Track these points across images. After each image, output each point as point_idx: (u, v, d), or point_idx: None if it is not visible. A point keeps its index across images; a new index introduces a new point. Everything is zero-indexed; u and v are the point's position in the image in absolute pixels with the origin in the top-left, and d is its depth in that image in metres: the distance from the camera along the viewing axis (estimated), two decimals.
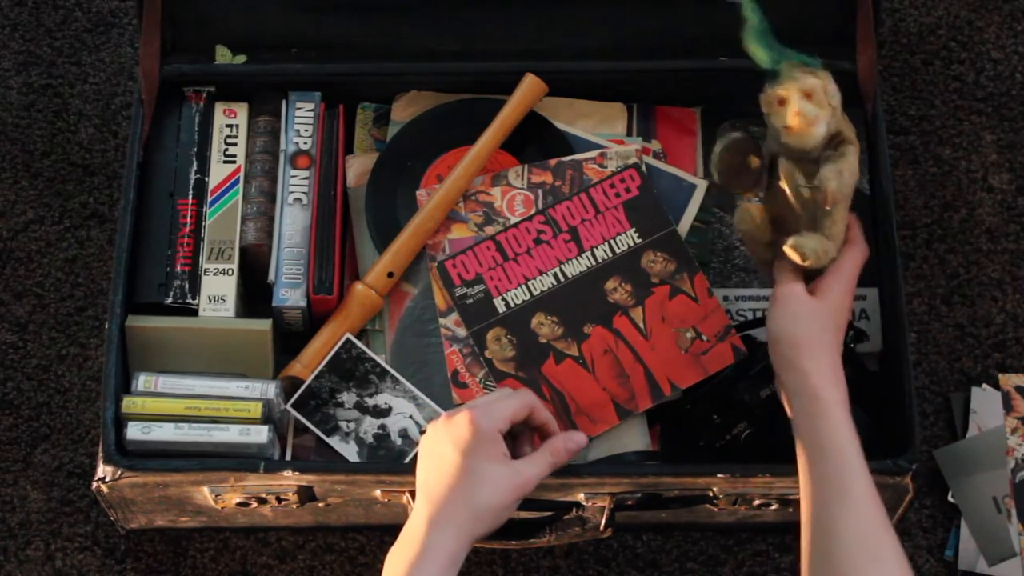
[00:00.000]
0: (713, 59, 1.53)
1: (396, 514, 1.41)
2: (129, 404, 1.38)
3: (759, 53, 1.29)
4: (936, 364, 1.58)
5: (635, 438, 1.44)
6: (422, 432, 1.32)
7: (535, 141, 1.52)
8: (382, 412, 1.44)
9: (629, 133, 1.54)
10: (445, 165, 1.52)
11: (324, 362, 1.44)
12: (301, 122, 1.52)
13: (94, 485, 1.38)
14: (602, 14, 1.54)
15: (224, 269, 1.46)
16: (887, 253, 1.45)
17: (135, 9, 1.54)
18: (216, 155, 1.51)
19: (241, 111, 1.53)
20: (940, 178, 1.65)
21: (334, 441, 1.43)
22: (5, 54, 1.71)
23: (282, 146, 1.51)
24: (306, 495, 1.40)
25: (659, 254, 1.46)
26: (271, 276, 1.47)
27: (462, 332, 1.46)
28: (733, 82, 1.54)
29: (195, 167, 1.50)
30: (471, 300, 1.46)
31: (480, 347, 1.45)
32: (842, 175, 1.29)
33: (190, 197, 1.49)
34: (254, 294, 1.50)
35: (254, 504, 1.41)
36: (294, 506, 1.41)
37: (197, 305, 1.45)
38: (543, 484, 1.37)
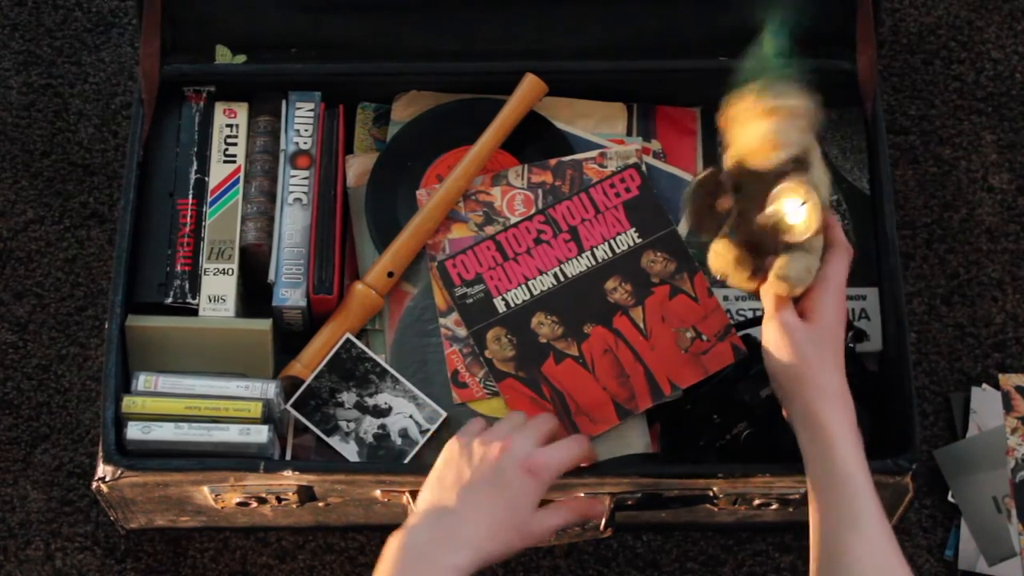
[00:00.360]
0: (713, 59, 1.53)
1: (396, 514, 1.41)
2: (129, 404, 1.38)
3: (753, 74, 1.26)
4: (936, 364, 1.58)
5: (635, 438, 1.44)
6: (433, 435, 1.32)
7: (535, 141, 1.52)
8: (382, 412, 1.44)
9: (629, 133, 1.54)
10: (445, 165, 1.52)
11: (324, 362, 1.44)
12: (301, 122, 1.52)
13: (94, 485, 1.38)
14: (602, 14, 1.54)
15: (224, 269, 1.46)
16: (887, 253, 1.45)
17: (135, 9, 1.54)
18: (216, 155, 1.51)
19: (241, 111, 1.53)
20: (940, 178, 1.65)
21: (334, 441, 1.43)
22: (5, 54, 1.71)
23: (282, 146, 1.51)
24: (306, 495, 1.40)
25: (659, 254, 1.46)
26: (271, 276, 1.47)
27: (462, 332, 1.46)
28: (733, 82, 1.54)
29: (195, 167, 1.50)
30: (471, 300, 1.46)
31: (480, 347, 1.45)
32: (818, 190, 1.26)
33: (190, 197, 1.49)
34: (254, 294, 1.50)
35: (254, 504, 1.41)
36: (294, 506, 1.41)
37: (197, 305, 1.45)
38: None
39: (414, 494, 1.33)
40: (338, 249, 1.48)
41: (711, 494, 1.39)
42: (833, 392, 1.26)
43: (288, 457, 1.44)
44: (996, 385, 1.56)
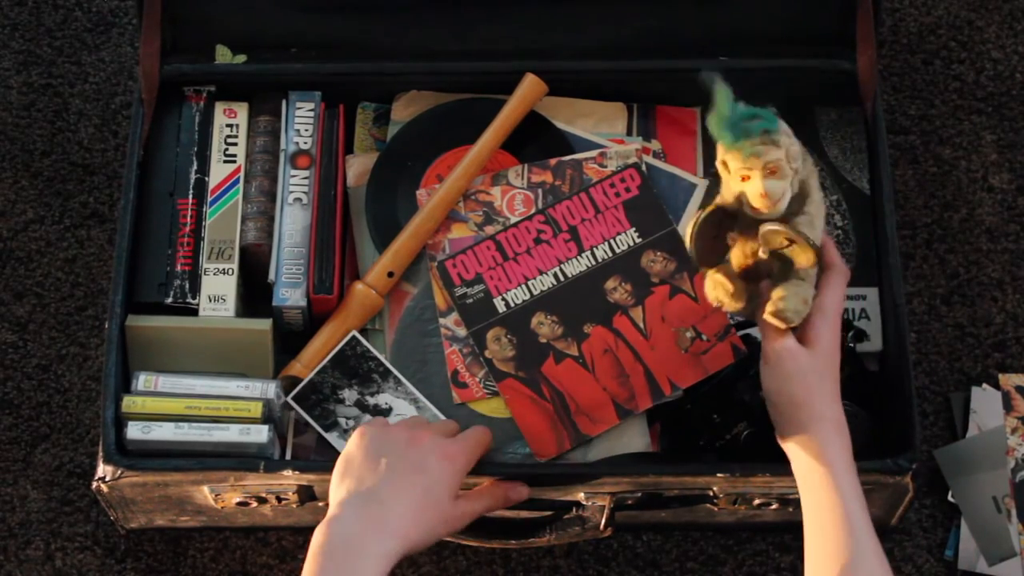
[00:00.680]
0: (713, 59, 1.53)
1: None
2: (129, 404, 1.38)
3: (723, 136, 1.23)
4: (936, 364, 1.57)
5: (635, 438, 1.44)
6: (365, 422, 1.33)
7: (535, 141, 1.52)
8: (382, 412, 1.44)
9: (629, 133, 1.54)
10: (445, 165, 1.52)
11: (328, 358, 1.44)
12: (301, 122, 1.52)
13: (94, 485, 1.38)
14: (602, 14, 1.54)
15: (224, 269, 1.46)
16: (887, 253, 1.45)
17: (135, 9, 1.54)
18: (216, 155, 1.51)
19: (241, 111, 1.53)
20: (940, 178, 1.65)
21: (332, 437, 1.43)
22: (5, 54, 1.71)
23: (282, 146, 1.51)
24: (306, 494, 1.40)
25: (659, 253, 1.46)
26: (271, 276, 1.47)
27: (462, 332, 1.46)
28: (733, 82, 1.54)
29: (195, 167, 1.50)
30: (471, 300, 1.46)
31: (480, 347, 1.45)
32: (814, 224, 1.25)
33: (190, 197, 1.49)
34: (254, 294, 1.50)
35: (254, 504, 1.41)
36: (294, 505, 1.41)
37: (197, 305, 1.45)
38: (543, 483, 1.38)
39: None
40: (338, 249, 1.48)
41: (711, 494, 1.39)
42: (831, 421, 1.26)
43: (288, 457, 1.44)
44: (996, 385, 1.56)
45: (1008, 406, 1.54)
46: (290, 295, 1.46)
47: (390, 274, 1.47)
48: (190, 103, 1.53)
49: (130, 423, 1.38)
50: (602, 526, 1.40)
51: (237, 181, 1.50)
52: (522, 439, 1.43)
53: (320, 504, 1.42)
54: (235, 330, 1.45)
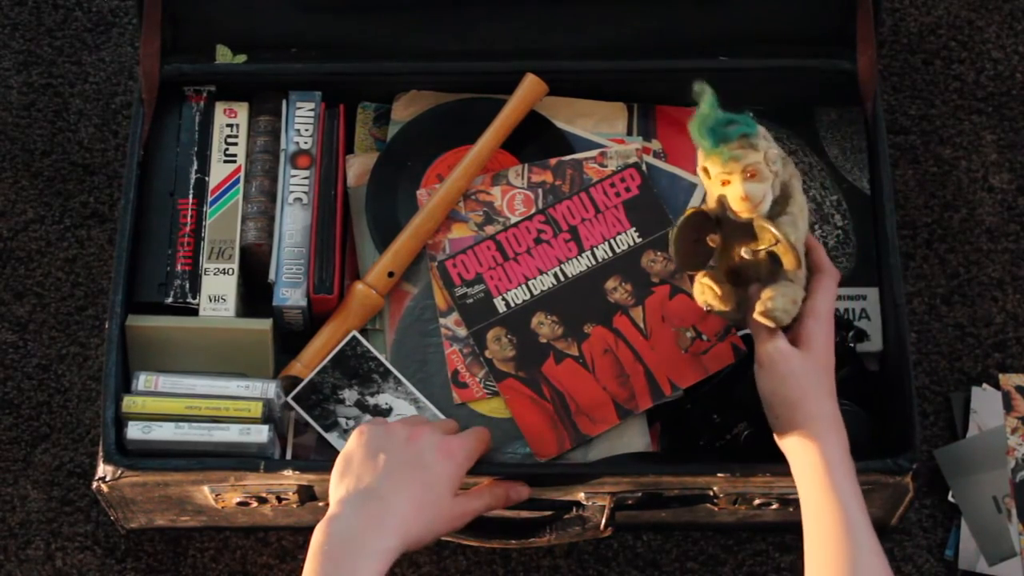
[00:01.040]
0: (713, 59, 1.53)
1: None
2: (129, 403, 1.38)
3: (702, 141, 1.25)
4: (936, 364, 1.57)
5: (635, 438, 1.44)
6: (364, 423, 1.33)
7: (535, 140, 1.52)
8: (382, 412, 1.44)
9: (629, 132, 1.54)
10: (445, 165, 1.52)
11: (328, 358, 1.44)
12: (301, 122, 1.52)
13: (94, 484, 1.38)
14: (602, 14, 1.54)
15: (224, 269, 1.46)
16: (887, 253, 1.45)
17: (135, 9, 1.54)
18: (216, 154, 1.51)
19: (241, 111, 1.53)
20: (940, 178, 1.65)
21: (332, 437, 1.43)
22: (5, 53, 1.71)
23: (282, 146, 1.52)
24: (306, 494, 1.40)
25: (659, 253, 1.46)
26: (271, 276, 1.47)
27: (462, 332, 1.46)
28: (733, 82, 1.54)
29: (195, 166, 1.50)
30: (471, 300, 1.46)
31: (480, 347, 1.45)
32: (797, 224, 1.27)
33: (190, 196, 1.49)
34: (254, 294, 1.50)
35: (254, 503, 1.41)
36: (294, 505, 1.41)
37: (197, 305, 1.45)
38: (543, 483, 1.38)
39: None
40: (338, 249, 1.48)
41: (711, 494, 1.39)
42: (827, 420, 1.26)
43: (288, 457, 1.44)
44: (996, 385, 1.56)
45: (1008, 406, 1.54)
46: (290, 295, 1.46)
47: (390, 274, 1.47)
48: (190, 103, 1.53)
49: (130, 423, 1.38)
50: (602, 526, 1.40)
51: (237, 181, 1.50)
52: (522, 439, 1.43)
53: (320, 504, 1.42)
54: (235, 330, 1.45)
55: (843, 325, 1.40)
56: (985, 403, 1.55)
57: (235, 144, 1.51)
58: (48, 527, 1.52)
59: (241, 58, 1.54)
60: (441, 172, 1.52)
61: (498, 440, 1.42)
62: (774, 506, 1.40)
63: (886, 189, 1.47)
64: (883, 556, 1.21)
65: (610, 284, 1.46)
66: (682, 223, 1.30)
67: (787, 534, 1.50)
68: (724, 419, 1.40)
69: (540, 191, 1.50)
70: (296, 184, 1.50)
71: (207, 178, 1.50)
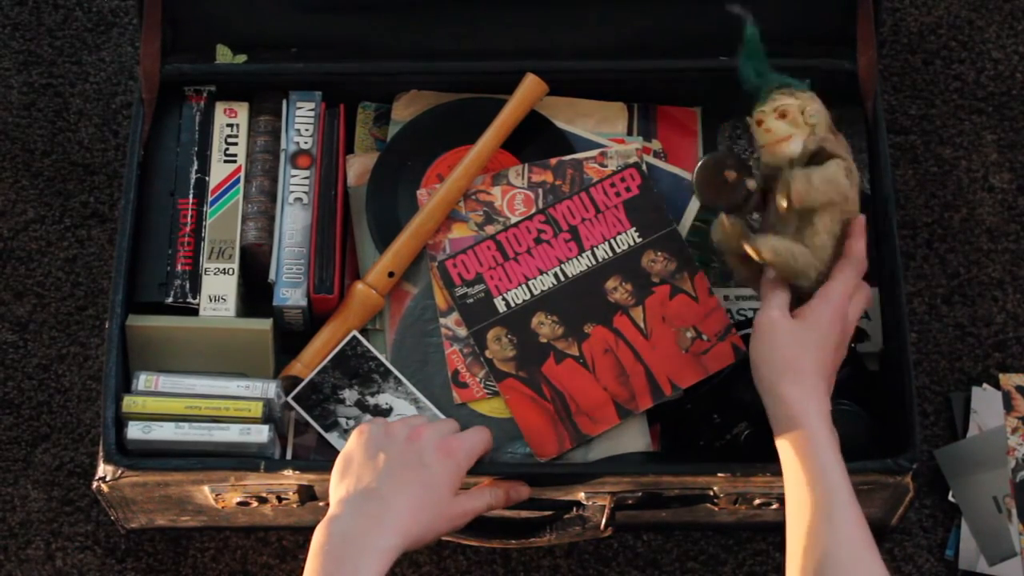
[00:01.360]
0: (713, 59, 1.53)
1: None
2: (130, 403, 1.38)
3: (748, 73, 1.34)
4: (936, 364, 1.58)
5: (635, 438, 1.44)
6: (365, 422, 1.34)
7: (535, 140, 1.52)
8: (383, 412, 1.44)
9: (629, 132, 1.54)
10: (445, 165, 1.52)
11: (328, 358, 1.44)
12: (302, 121, 1.52)
13: (94, 484, 1.38)
14: (602, 14, 1.54)
15: (225, 268, 1.46)
16: (887, 253, 1.45)
17: (135, 9, 1.54)
18: (217, 154, 1.51)
19: (242, 110, 1.53)
20: (940, 178, 1.65)
21: (332, 437, 1.43)
22: (6, 53, 1.71)
23: (283, 145, 1.52)
24: (306, 494, 1.40)
25: (659, 253, 1.46)
26: (272, 275, 1.47)
27: (462, 332, 1.46)
28: (733, 82, 1.54)
29: (196, 166, 1.50)
30: (471, 300, 1.46)
31: (480, 347, 1.45)
32: (811, 180, 1.30)
33: (191, 196, 1.49)
34: (255, 294, 1.50)
35: (254, 503, 1.41)
36: (295, 505, 1.41)
37: (198, 304, 1.45)
38: (543, 483, 1.38)
39: None
40: (339, 249, 1.48)
41: (711, 493, 1.39)
42: (810, 388, 1.27)
43: (288, 457, 1.44)
44: (997, 385, 1.56)
45: (1008, 406, 1.55)
46: (290, 295, 1.46)
47: (391, 274, 1.47)
48: (190, 103, 1.53)
49: (130, 423, 1.38)
50: (602, 526, 1.40)
51: (237, 181, 1.50)
52: (522, 439, 1.43)
53: (321, 504, 1.42)
54: (235, 330, 1.45)
55: None
56: (985, 403, 1.55)
57: (235, 144, 1.51)
58: (48, 527, 1.52)
59: (241, 58, 1.54)
60: (441, 172, 1.52)
61: (498, 440, 1.42)
62: (774, 506, 1.40)
63: (886, 189, 1.47)
64: (861, 517, 1.21)
65: (610, 284, 1.46)
66: (703, 162, 1.38)
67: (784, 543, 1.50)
68: (724, 419, 1.40)
69: (540, 191, 1.50)
70: (296, 184, 1.50)
71: (207, 178, 1.50)
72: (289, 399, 1.43)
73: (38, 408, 1.57)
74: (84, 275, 1.62)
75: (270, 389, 1.40)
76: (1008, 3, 1.72)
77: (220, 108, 1.53)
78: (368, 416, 1.44)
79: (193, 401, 1.39)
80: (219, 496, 1.40)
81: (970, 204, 1.64)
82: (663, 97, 1.56)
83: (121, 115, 1.68)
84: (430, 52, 1.55)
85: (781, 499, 1.39)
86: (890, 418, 1.41)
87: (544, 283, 1.46)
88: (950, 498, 1.51)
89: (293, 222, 1.49)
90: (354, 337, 1.45)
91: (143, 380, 1.40)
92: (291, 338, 1.48)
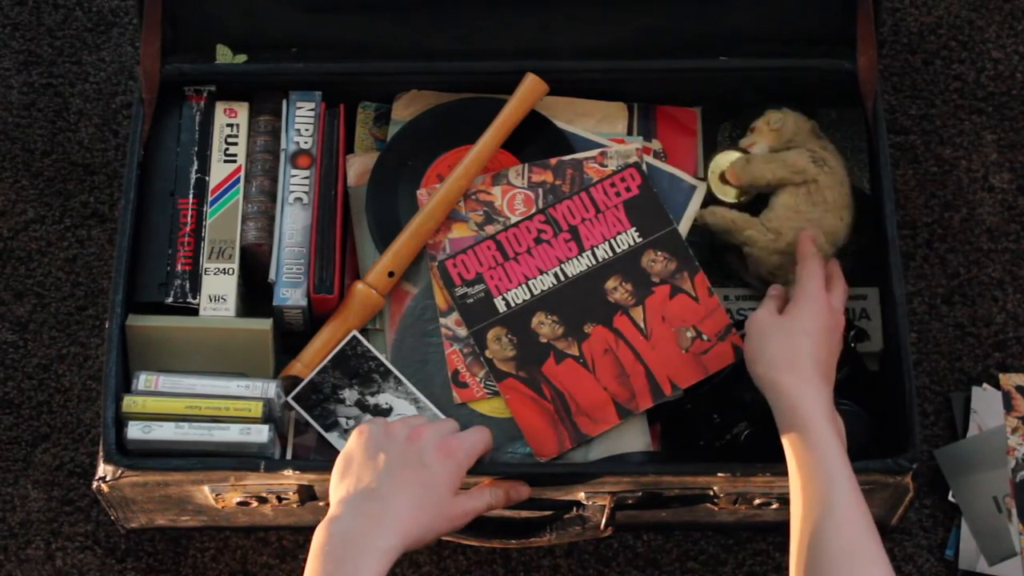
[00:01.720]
0: (713, 59, 1.53)
1: None
2: (130, 403, 1.38)
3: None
4: (936, 364, 1.58)
5: (635, 438, 1.44)
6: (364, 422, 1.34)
7: (535, 140, 1.52)
8: (383, 412, 1.44)
9: (629, 132, 1.54)
10: (446, 164, 1.52)
11: (328, 357, 1.44)
12: (302, 121, 1.52)
13: (94, 484, 1.38)
14: (602, 13, 1.54)
15: (225, 268, 1.46)
16: (887, 253, 1.45)
17: (136, 8, 1.54)
18: (217, 154, 1.51)
19: (242, 110, 1.53)
20: (940, 178, 1.65)
21: (332, 437, 1.43)
22: (6, 53, 1.71)
23: (283, 145, 1.51)
24: (306, 494, 1.40)
25: (659, 253, 1.46)
26: (272, 275, 1.47)
27: (463, 332, 1.46)
28: (733, 82, 1.54)
29: (196, 166, 1.50)
30: (471, 299, 1.46)
31: (480, 347, 1.45)
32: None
33: (191, 196, 1.49)
34: (255, 293, 1.50)
35: (255, 503, 1.41)
36: (295, 505, 1.41)
37: (198, 304, 1.45)
38: (543, 483, 1.38)
39: None
40: (339, 249, 1.48)
41: (711, 493, 1.39)
42: (804, 378, 1.29)
43: (288, 457, 1.44)
44: (997, 385, 1.56)
45: (1008, 406, 1.54)
46: (291, 295, 1.46)
47: (391, 274, 1.47)
48: (190, 103, 1.53)
49: (130, 423, 1.38)
50: (602, 526, 1.40)
51: (237, 181, 1.50)
52: (522, 439, 1.43)
53: (321, 504, 1.42)
54: (235, 330, 1.45)
55: (845, 325, 1.40)
56: (985, 403, 1.55)
57: (235, 144, 1.51)
58: (48, 527, 1.52)
59: (241, 58, 1.54)
60: (441, 172, 1.52)
61: (498, 440, 1.42)
62: (774, 506, 1.40)
63: (886, 189, 1.47)
64: (861, 500, 1.22)
65: (610, 284, 1.46)
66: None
67: (788, 534, 1.50)
68: (724, 419, 1.40)
69: (540, 191, 1.50)
70: (296, 184, 1.50)
71: (207, 178, 1.50)
72: (289, 399, 1.43)
73: (38, 408, 1.57)
74: (84, 275, 1.62)
75: (270, 389, 1.40)
76: (1008, 3, 1.72)
77: (220, 108, 1.53)
78: (368, 416, 1.44)
79: (193, 401, 1.39)
80: (219, 496, 1.40)
81: (970, 204, 1.64)
82: (663, 97, 1.56)
83: (121, 115, 1.68)
84: (430, 52, 1.55)
85: (781, 499, 1.39)
86: (890, 418, 1.41)
87: (544, 283, 1.46)
88: (950, 498, 1.51)
89: (293, 222, 1.49)
90: (354, 337, 1.45)
91: (143, 380, 1.40)
92: (291, 338, 1.48)
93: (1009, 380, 1.56)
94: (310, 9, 1.54)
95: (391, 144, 1.53)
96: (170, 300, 1.45)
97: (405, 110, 1.55)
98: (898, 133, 1.66)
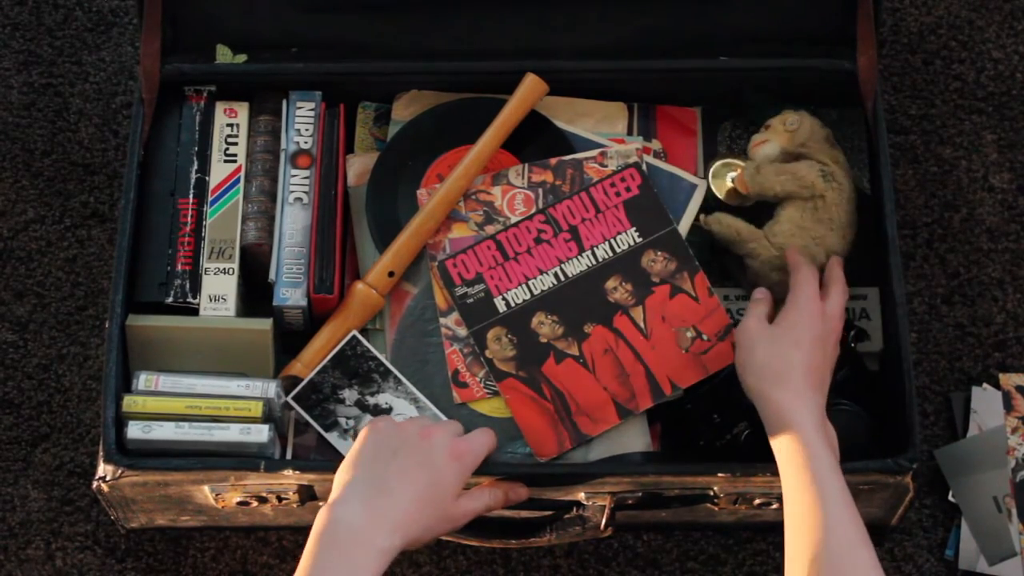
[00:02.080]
0: (713, 59, 1.53)
1: None
2: (130, 403, 1.38)
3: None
4: (936, 364, 1.58)
5: (635, 438, 1.44)
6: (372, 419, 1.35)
7: (535, 140, 1.52)
8: (382, 412, 1.44)
9: (629, 132, 1.54)
10: (446, 164, 1.52)
11: (328, 357, 1.44)
12: (302, 121, 1.52)
13: (94, 484, 1.38)
14: (602, 13, 1.54)
15: (225, 268, 1.46)
16: (887, 253, 1.45)
17: (136, 8, 1.54)
18: (217, 154, 1.51)
19: (242, 110, 1.53)
20: (940, 177, 1.65)
21: (332, 437, 1.43)
22: (6, 53, 1.71)
23: (283, 145, 1.52)
24: (306, 494, 1.40)
25: (659, 253, 1.46)
26: (272, 275, 1.47)
27: (463, 331, 1.46)
28: (733, 82, 1.54)
29: (196, 166, 1.50)
30: (471, 299, 1.46)
31: (480, 347, 1.45)
32: (760, 169, 1.46)
33: (191, 196, 1.49)
34: (255, 293, 1.50)
35: (255, 503, 1.41)
36: (295, 505, 1.41)
37: (198, 304, 1.45)
38: (543, 483, 1.38)
39: None
40: (339, 249, 1.48)
41: (711, 493, 1.39)
42: (793, 388, 1.29)
43: (288, 456, 1.44)
44: (997, 385, 1.56)
45: (1008, 406, 1.54)
46: (291, 295, 1.46)
47: (391, 274, 1.47)
48: (190, 103, 1.53)
49: (131, 423, 1.38)
50: (602, 526, 1.40)
51: (238, 181, 1.50)
52: (522, 439, 1.43)
53: (320, 504, 1.42)
54: (235, 330, 1.45)
55: (843, 325, 1.40)
56: (985, 403, 1.55)
57: (235, 144, 1.51)
58: (48, 527, 1.52)
59: (241, 58, 1.54)
60: (441, 172, 1.52)
61: (499, 440, 1.42)
62: (774, 506, 1.40)
63: (886, 189, 1.47)
64: (852, 506, 1.22)
65: (610, 284, 1.46)
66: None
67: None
68: (724, 419, 1.40)
69: (540, 191, 1.50)
70: (296, 184, 1.50)
71: (207, 178, 1.50)
72: (289, 399, 1.43)
73: (38, 408, 1.57)
74: (84, 275, 1.62)
75: (270, 389, 1.40)
76: (1008, 3, 1.72)
77: (220, 108, 1.53)
78: (368, 416, 1.44)
79: (193, 401, 1.39)
80: (219, 496, 1.40)
81: (970, 204, 1.64)
82: (663, 97, 1.56)
83: (121, 115, 1.68)
84: (430, 52, 1.55)
85: (781, 499, 1.39)
86: (890, 418, 1.41)
87: (544, 283, 1.46)
88: (950, 498, 1.51)
89: (293, 222, 1.49)
90: (354, 337, 1.45)
91: (143, 380, 1.40)
92: (291, 338, 1.48)
93: (1009, 380, 1.56)
94: (310, 9, 1.54)
95: (391, 144, 1.53)
96: (170, 300, 1.45)
97: (405, 110, 1.55)
98: (898, 133, 1.66)
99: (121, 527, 1.49)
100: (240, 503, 1.41)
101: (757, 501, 1.40)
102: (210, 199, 1.49)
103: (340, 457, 1.41)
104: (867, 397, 1.41)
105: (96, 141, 1.67)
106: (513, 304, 1.46)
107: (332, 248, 1.48)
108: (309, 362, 1.45)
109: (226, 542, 1.51)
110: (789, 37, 1.54)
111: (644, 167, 1.49)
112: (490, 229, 1.49)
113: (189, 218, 1.48)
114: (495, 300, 1.46)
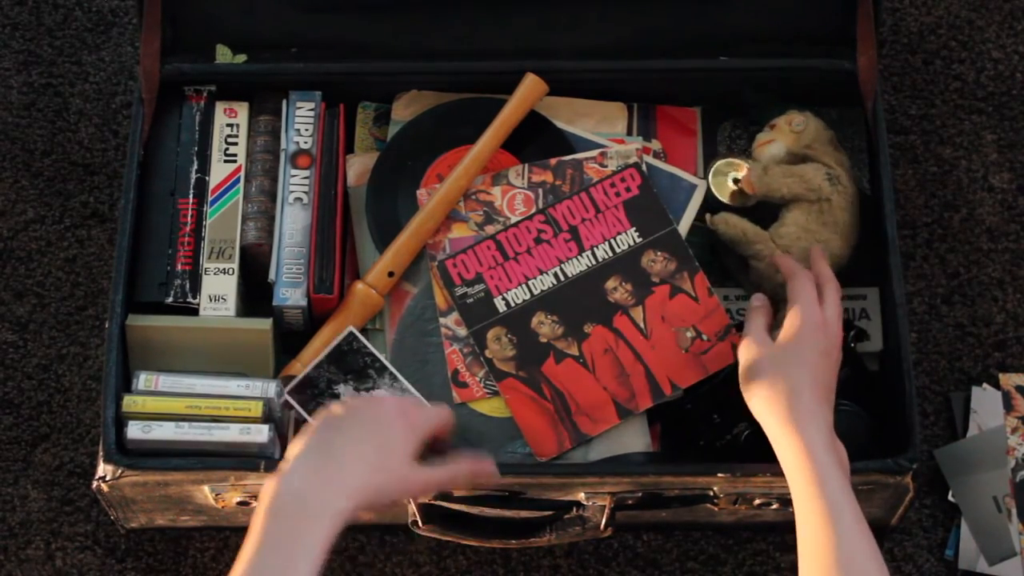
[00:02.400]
0: (713, 59, 1.53)
1: (396, 513, 1.41)
2: (130, 403, 1.38)
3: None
4: (936, 364, 1.58)
5: (635, 438, 1.44)
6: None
7: (535, 140, 1.52)
8: None
9: (629, 132, 1.54)
10: (446, 164, 1.52)
11: (325, 353, 1.44)
12: (302, 121, 1.52)
13: (94, 484, 1.38)
14: (602, 13, 1.54)
15: (225, 268, 1.46)
16: (887, 253, 1.45)
17: (135, 8, 1.54)
18: (217, 154, 1.51)
19: (242, 110, 1.53)
20: (940, 177, 1.65)
21: None
22: (6, 53, 1.71)
23: (283, 145, 1.52)
24: None
25: (659, 253, 1.46)
26: (272, 275, 1.47)
27: (462, 331, 1.46)
28: (733, 82, 1.54)
29: (196, 166, 1.50)
30: (471, 299, 1.46)
31: (480, 346, 1.45)
32: (767, 170, 1.46)
33: (191, 196, 1.49)
34: (255, 293, 1.50)
35: (254, 503, 1.41)
36: None
37: (198, 304, 1.45)
38: (543, 483, 1.38)
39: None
40: (339, 249, 1.48)
41: (711, 493, 1.39)
42: (796, 406, 1.27)
43: None
44: (996, 385, 1.56)
45: (1008, 406, 1.54)
46: (290, 295, 1.46)
47: (390, 274, 1.47)
48: (190, 103, 1.53)
49: (130, 422, 1.38)
50: (602, 526, 1.40)
51: (237, 181, 1.50)
52: (522, 439, 1.43)
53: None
54: (235, 330, 1.45)
55: (843, 325, 1.40)
56: (985, 403, 1.55)
57: (235, 144, 1.51)
58: (48, 527, 1.52)
59: (241, 58, 1.54)
60: (441, 172, 1.52)
61: (498, 440, 1.42)
62: (774, 506, 1.40)
63: (886, 189, 1.47)
64: (862, 520, 1.22)
65: (610, 284, 1.46)
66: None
67: (787, 534, 1.50)
68: (724, 419, 1.40)
69: (540, 191, 1.50)
70: (296, 184, 1.50)
71: (207, 178, 1.50)
72: (286, 393, 1.43)
73: (38, 408, 1.57)
74: (84, 275, 1.62)
75: (270, 389, 1.40)
76: (1008, 3, 1.72)
77: (220, 108, 1.53)
78: None
79: (193, 401, 1.39)
80: (219, 496, 1.40)
81: (970, 204, 1.64)
82: (663, 97, 1.56)
83: (121, 115, 1.68)
84: (430, 52, 1.55)
85: (781, 499, 1.39)
86: (890, 418, 1.41)
87: (544, 283, 1.46)
88: (950, 498, 1.51)
89: (293, 222, 1.49)
90: (350, 333, 1.44)
91: (143, 380, 1.40)
92: (291, 338, 1.48)
93: (1009, 380, 1.56)
94: (310, 9, 1.54)
95: (391, 144, 1.53)
96: (170, 300, 1.45)
97: (405, 110, 1.55)
98: (898, 133, 1.66)
99: (121, 527, 1.49)
100: (240, 503, 1.41)
101: (757, 501, 1.40)
102: (210, 199, 1.49)
103: None
104: (867, 397, 1.41)
105: (96, 141, 1.67)
106: (513, 304, 1.46)
107: (332, 248, 1.48)
108: (309, 362, 1.45)
109: (226, 542, 1.51)
110: (789, 37, 1.54)
111: (644, 167, 1.49)
112: (490, 229, 1.49)
113: (189, 218, 1.48)
114: (495, 300, 1.46)
